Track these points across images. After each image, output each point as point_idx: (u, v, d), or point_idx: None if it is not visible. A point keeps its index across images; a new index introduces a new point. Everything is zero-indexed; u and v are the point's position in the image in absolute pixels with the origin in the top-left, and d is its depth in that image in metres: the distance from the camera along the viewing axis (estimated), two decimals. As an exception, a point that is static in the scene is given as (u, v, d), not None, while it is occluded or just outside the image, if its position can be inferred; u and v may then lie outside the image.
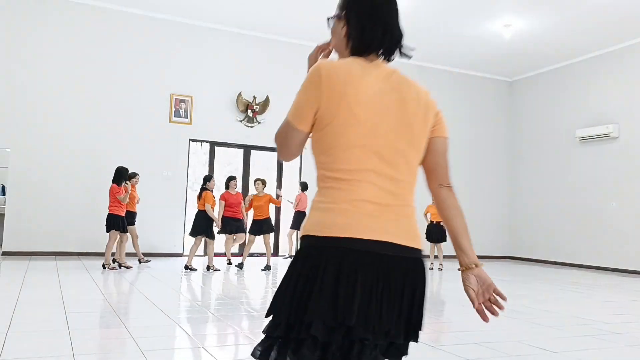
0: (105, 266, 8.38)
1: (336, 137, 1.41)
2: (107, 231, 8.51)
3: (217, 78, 11.27)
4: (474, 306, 1.66)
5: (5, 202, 10.14)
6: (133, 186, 9.05)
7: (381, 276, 1.37)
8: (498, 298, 1.64)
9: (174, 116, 10.87)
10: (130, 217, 9.01)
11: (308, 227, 1.41)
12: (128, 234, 8.78)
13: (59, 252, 9.88)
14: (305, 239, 1.41)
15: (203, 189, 8.97)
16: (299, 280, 1.35)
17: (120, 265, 8.62)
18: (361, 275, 1.34)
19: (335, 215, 1.37)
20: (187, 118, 10.95)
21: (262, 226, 9.15)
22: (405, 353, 1.63)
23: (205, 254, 9.49)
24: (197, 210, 9.00)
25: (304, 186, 11.28)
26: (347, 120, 1.40)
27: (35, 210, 9.81)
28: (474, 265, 1.60)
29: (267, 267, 9.11)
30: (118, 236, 8.60)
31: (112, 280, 7.14)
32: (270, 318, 1.38)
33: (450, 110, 13.65)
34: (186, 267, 8.72)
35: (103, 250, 10.14)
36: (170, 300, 6.04)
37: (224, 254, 9.99)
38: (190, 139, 11.05)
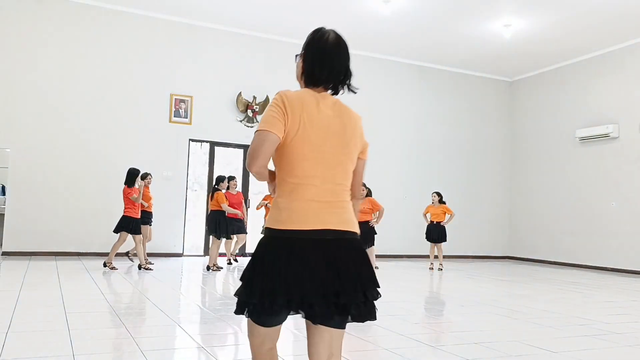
0: (107, 264, 8.37)
1: (294, 151, 1.86)
2: (116, 232, 8.50)
3: (217, 78, 11.27)
4: None
5: (5, 202, 10.14)
6: (147, 186, 9.08)
7: (325, 254, 1.81)
8: None
9: (174, 116, 10.87)
10: (147, 217, 9.06)
11: (269, 221, 1.89)
12: (141, 236, 8.66)
13: (59, 252, 9.88)
14: (267, 230, 1.89)
15: (215, 189, 9.04)
16: (263, 261, 1.81)
17: (140, 267, 8.52)
18: (309, 255, 1.79)
19: (288, 213, 1.83)
20: (187, 118, 10.95)
21: None
22: (374, 316, 1.99)
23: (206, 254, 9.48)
24: (209, 210, 9.06)
25: None
26: (302, 139, 1.86)
27: (35, 210, 9.81)
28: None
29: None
30: (128, 237, 8.58)
31: (112, 280, 7.14)
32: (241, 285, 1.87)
33: (450, 110, 13.69)
34: (208, 268, 8.76)
35: (103, 250, 10.16)
36: (170, 300, 6.04)
37: (224, 254, 9.99)
38: (190, 139, 11.05)
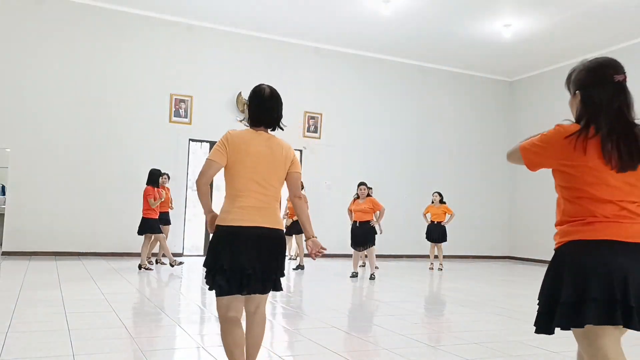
0: (142, 267, 8.49)
1: (236, 172, 2.69)
2: (140, 234, 8.60)
3: (217, 78, 11.27)
4: (310, 254, 2.85)
5: (5, 202, 10.14)
6: (163, 186, 9.17)
7: (257, 242, 2.66)
8: (321, 251, 2.82)
9: (174, 116, 10.88)
10: (165, 217, 9.19)
11: (219, 220, 2.70)
12: (162, 234, 8.80)
13: (59, 252, 9.88)
14: (217, 227, 2.70)
15: None
16: (216, 247, 2.67)
17: (171, 264, 8.70)
18: (246, 243, 2.64)
19: (232, 215, 2.67)
20: (187, 118, 10.95)
21: (295, 227, 9.43)
22: (280, 287, 2.79)
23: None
24: None
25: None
26: (241, 164, 2.68)
27: (35, 210, 9.81)
28: (311, 236, 2.82)
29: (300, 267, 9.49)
30: (152, 237, 8.73)
31: (112, 280, 7.14)
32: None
33: (450, 111, 13.69)
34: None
35: (102, 251, 10.19)
36: (170, 300, 6.04)
37: None
38: (190, 139, 11.06)
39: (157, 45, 10.84)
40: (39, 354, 3.42)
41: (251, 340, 2.80)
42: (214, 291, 2.69)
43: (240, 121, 11.40)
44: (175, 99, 10.89)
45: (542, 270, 8.64)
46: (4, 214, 9.97)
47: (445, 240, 10.47)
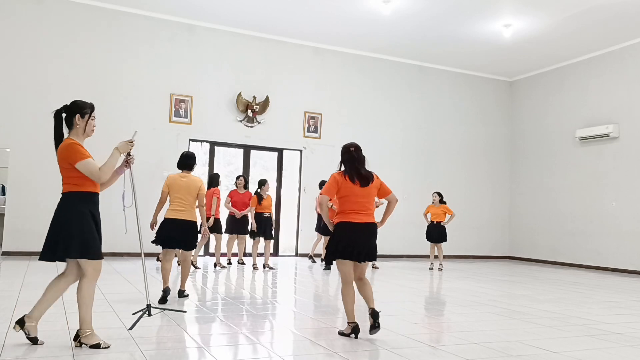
0: (217, 265, 9.16)
1: (171, 194, 5.89)
2: (211, 232, 9.07)
3: (217, 78, 11.28)
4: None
5: (5, 202, 10.14)
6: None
7: (180, 228, 5.79)
8: None
9: (174, 116, 10.88)
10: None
11: (165, 215, 5.90)
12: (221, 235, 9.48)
13: (59, 252, 9.87)
14: (164, 219, 5.86)
15: (257, 193, 9.36)
16: (161, 228, 5.93)
17: (215, 265, 9.32)
18: (176, 227, 5.79)
19: (169, 212, 5.87)
20: (187, 118, 10.95)
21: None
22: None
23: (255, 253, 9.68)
24: (256, 212, 9.37)
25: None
26: (172, 191, 5.87)
27: (35, 210, 9.81)
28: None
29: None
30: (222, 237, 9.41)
31: (111, 280, 7.14)
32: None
33: (450, 111, 13.69)
34: (265, 266, 9.39)
35: (102, 250, 10.13)
36: (171, 300, 6.04)
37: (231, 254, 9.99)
38: (190, 139, 11.06)
39: (157, 45, 10.84)
40: (39, 354, 3.43)
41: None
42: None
43: (241, 121, 11.41)
44: (175, 99, 10.89)
45: (542, 270, 8.74)
46: (4, 214, 9.96)
47: (445, 240, 10.47)
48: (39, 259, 3.86)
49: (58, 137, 3.82)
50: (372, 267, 10.16)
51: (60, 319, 4.48)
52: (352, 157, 4.33)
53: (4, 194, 11.13)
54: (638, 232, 10.85)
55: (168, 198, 5.85)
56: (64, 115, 3.80)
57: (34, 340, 3.65)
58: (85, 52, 10.32)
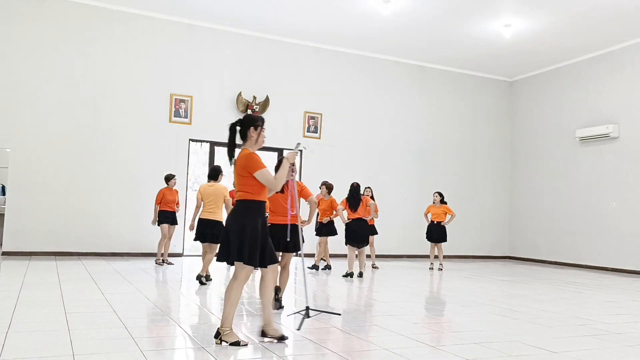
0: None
1: (203, 200, 7.41)
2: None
3: (217, 78, 11.28)
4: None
5: (5, 202, 10.14)
6: (170, 189, 9.41)
7: (210, 226, 7.33)
8: None
9: (174, 116, 10.88)
10: (171, 216, 9.38)
11: (199, 217, 7.53)
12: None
13: (59, 252, 9.88)
14: (199, 219, 7.49)
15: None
16: (199, 226, 7.57)
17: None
18: (207, 226, 7.39)
19: (202, 214, 7.43)
20: (187, 118, 10.95)
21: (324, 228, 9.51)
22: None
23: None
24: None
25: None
26: (203, 198, 7.44)
27: (35, 210, 9.82)
28: None
29: (327, 267, 9.64)
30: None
31: (111, 280, 7.14)
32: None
33: (450, 110, 13.69)
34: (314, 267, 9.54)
35: (102, 251, 10.18)
36: (170, 300, 6.04)
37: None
38: (190, 139, 11.06)
39: (157, 45, 10.84)
40: (39, 354, 3.42)
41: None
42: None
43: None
44: (175, 99, 10.89)
45: (542, 270, 8.72)
46: (4, 214, 9.96)
47: (445, 240, 10.47)
48: (216, 260, 4.13)
49: (231, 148, 4.13)
50: (372, 267, 10.16)
51: (61, 319, 4.48)
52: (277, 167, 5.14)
53: (4, 194, 11.14)
54: (638, 232, 10.85)
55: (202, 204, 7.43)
56: (238, 128, 4.09)
57: (236, 344, 3.82)
58: (86, 52, 10.32)
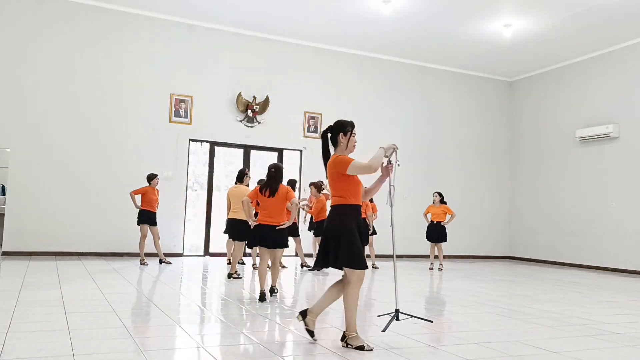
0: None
1: (230, 201, 8.25)
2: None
3: (217, 78, 11.28)
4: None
5: (5, 202, 10.14)
6: (153, 188, 9.32)
7: (235, 224, 7.98)
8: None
9: (174, 116, 10.88)
10: (153, 217, 9.28)
11: (228, 216, 8.36)
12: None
13: (59, 252, 9.88)
14: (227, 219, 8.37)
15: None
16: (227, 224, 8.56)
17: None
18: (233, 224, 8.15)
19: (230, 213, 8.26)
20: (187, 118, 10.95)
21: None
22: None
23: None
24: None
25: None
26: (231, 198, 8.22)
27: (35, 210, 9.82)
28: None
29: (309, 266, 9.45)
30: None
31: (111, 280, 7.14)
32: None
33: (450, 110, 13.69)
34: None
35: (102, 250, 10.17)
36: (170, 300, 6.04)
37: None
38: (190, 139, 11.06)
39: (157, 45, 10.84)
40: (39, 354, 3.42)
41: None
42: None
43: (241, 121, 11.41)
44: (175, 99, 10.89)
45: (542, 270, 8.72)
46: (4, 214, 9.96)
47: (445, 240, 10.47)
48: (312, 266, 4.07)
49: (326, 156, 4.16)
50: (372, 267, 10.16)
51: (61, 319, 4.48)
52: (269, 176, 6.18)
53: (4, 194, 11.14)
54: (638, 232, 10.85)
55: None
56: (329, 135, 4.14)
57: (311, 334, 4.04)
58: (86, 52, 10.32)
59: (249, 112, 11.39)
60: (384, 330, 4.39)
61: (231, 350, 3.84)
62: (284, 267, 9.43)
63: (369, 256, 10.13)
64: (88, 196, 10.16)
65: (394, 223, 4.78)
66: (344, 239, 3.84)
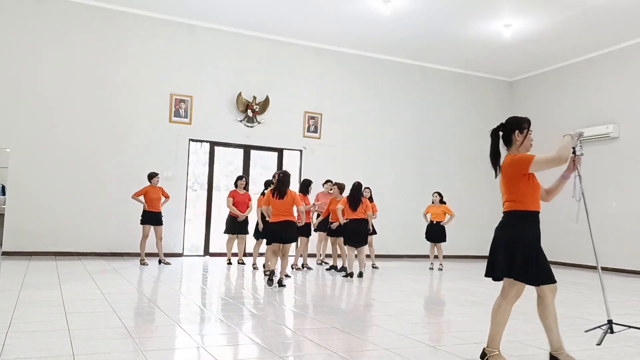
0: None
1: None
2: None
3: (217, 78, 11.28)
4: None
5: (5, 202, 10.14)
6: (154, 187, 9.29)
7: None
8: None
9: (174, 116, 10.88)
10: (155, 217, 9.23)
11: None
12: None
13: (59, 252, 9.88)
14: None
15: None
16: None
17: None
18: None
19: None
20: (187, 118, 10.95)
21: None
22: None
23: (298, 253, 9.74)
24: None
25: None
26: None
27: (35, 210, 9.81)
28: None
29: (334, 267, 9.51)
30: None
31: (111, 280, 7.15)
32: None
33: (450, 111, 13.69)
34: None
35: (102, 250, 10.17)
36: (170, 300, 6.04)
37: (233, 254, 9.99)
38: (190, 139, 11.06)
39: (157, 45, 10.84)
40: (39, 354, 3.42)
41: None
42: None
43: (241, 121, 11.41)
44: (175, 99, 10.89)
45: (542, 270, 8.25)
46: (4, 214, 9.96)
47: (444, 240, 10.47)
48: (485, 275, 3.56)
49: (494, 155, 3.71)
50: (372, 267, 10.16)
51: (60, 319, 4.48)
52: (278, 181, 7.14)
53: (4, 194, 11.14)
54: (638, 232, 10.85)
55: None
56: (500, 133, 3.73)
57: None
58: (85, 52, 10.32)
59: (249, 112, 11.39)
60: (599, 344, 4.14)
61: (231, 350, 3.84)
62: (309, 268, 9.52)
63: (368, 256, 10.13)
64: (88, 196, 10.16)
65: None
66: (515, 249, 3.40)
